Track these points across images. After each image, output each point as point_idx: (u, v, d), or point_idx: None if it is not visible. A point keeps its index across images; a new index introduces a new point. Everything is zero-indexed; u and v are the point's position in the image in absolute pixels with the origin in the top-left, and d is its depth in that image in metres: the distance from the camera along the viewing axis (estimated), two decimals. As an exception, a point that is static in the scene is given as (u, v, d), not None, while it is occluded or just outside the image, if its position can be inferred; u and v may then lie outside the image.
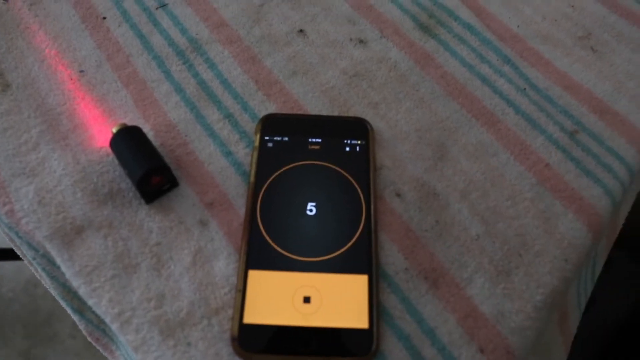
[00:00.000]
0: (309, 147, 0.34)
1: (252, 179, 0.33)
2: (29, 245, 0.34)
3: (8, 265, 1.02)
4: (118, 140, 0.32)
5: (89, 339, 0.37)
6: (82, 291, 0.30)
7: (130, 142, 0.32)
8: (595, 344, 0.75)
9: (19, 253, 0.41)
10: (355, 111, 0.37)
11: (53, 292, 0.37)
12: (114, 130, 0.33)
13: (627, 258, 0.75)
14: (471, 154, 0.35)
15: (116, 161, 0.34)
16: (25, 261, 0.41)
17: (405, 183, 0.34)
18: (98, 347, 0.38)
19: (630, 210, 0.42)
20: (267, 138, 0.34)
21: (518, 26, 0.42)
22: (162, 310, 0.29)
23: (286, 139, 0.34)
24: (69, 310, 0.36)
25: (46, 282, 0.37)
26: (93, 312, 0.33)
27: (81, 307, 0.35)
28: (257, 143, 0.34)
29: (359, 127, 0.35)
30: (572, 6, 0.44)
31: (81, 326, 0.36)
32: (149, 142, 0.32)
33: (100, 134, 0.36)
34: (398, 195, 0.33)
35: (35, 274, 0.40)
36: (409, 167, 0.35)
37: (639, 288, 0.76)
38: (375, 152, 0.35)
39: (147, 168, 0.31)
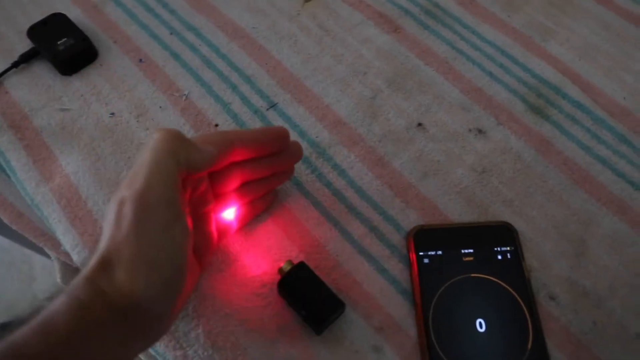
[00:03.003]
0: (463, 259, 0.35)
1: (417, 299, 0.34)
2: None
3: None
4: (289, 282, 0.32)
5: None
6: None
7: (301, 284, 0.32)
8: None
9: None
10: (493, 212, 0.37)
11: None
12: (284, 268, 0.33)
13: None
14: (609, 246, 0.37)
15: (274, 290, 0.34)
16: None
17: (556, 285, 0.35)
18: None
19: None
20: (421, 254, 0.35)
21: (624, 98, 0.43)
22: None
23: (440, 252, 0.35)
24: None
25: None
26: None
27: None
28: (413, 260, 0.35)
29: (505, 233, 0.36)
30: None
31: None
32: (319, 280, 0.33)
33: (252, 263, 0.35)
34: (552, 298, 0.35)
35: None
36: (555, 267, 0.36)
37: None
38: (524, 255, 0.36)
39: (329, 316, 0.31)
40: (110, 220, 0.26)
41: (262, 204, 0.36)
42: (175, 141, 0.28)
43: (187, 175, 0.28)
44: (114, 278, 0.25)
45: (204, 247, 0.32)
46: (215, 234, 0.33)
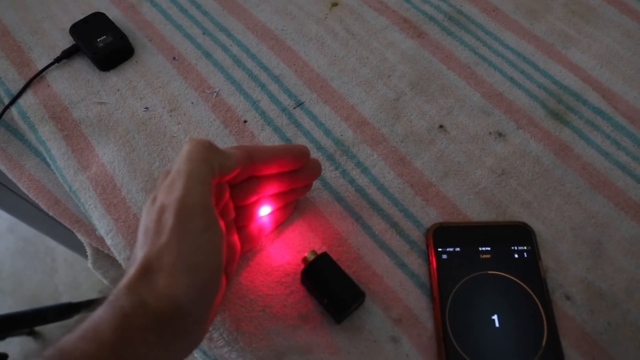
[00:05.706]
0: (481, 256, 0.36)
1: (435, 294, 0.35)
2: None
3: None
4: (312, 271, 0.34)
5: None
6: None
7: (324, 273, 0.34)
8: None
9: None
10: (511, 212, 0.38)
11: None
12: (309, 258, 0.34)
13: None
14: (627, 250, 0.37)
15: (297, 279, 0.36)
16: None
17: (572, 285, 0.36)
18: None
19: None
20: (440, 250, 0.36)
21: (644, 106, 0.43)
22: None
23: (458, 249, 0.36)
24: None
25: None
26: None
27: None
28: (432, 256, 0.36)
29: (522, 233, 0.37)
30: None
31: None
32: (341, 270, 0.34)
33: (277, 253, 0.37)
34: (568, 298, 0.36)
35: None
36: (572, 268, 0.37)
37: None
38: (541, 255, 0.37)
39: (350, 304, 0.32)
40: (148, 229, 0.27)
41: (281, 216, 0.37)
42: (208, 150, 0.29)
43: (218, 181, 0.30)
44: (155, 284, 0.26)
45: (229, 257, 0.33)
46: (238, 244, 0.34)
